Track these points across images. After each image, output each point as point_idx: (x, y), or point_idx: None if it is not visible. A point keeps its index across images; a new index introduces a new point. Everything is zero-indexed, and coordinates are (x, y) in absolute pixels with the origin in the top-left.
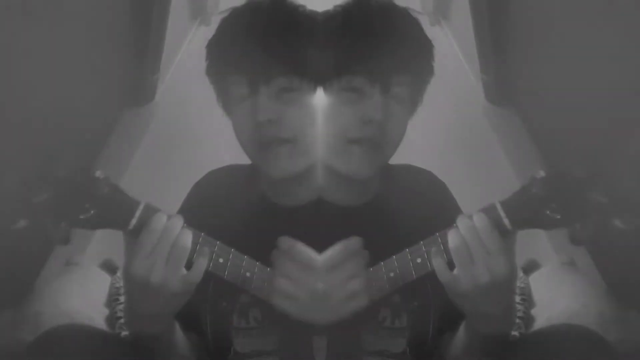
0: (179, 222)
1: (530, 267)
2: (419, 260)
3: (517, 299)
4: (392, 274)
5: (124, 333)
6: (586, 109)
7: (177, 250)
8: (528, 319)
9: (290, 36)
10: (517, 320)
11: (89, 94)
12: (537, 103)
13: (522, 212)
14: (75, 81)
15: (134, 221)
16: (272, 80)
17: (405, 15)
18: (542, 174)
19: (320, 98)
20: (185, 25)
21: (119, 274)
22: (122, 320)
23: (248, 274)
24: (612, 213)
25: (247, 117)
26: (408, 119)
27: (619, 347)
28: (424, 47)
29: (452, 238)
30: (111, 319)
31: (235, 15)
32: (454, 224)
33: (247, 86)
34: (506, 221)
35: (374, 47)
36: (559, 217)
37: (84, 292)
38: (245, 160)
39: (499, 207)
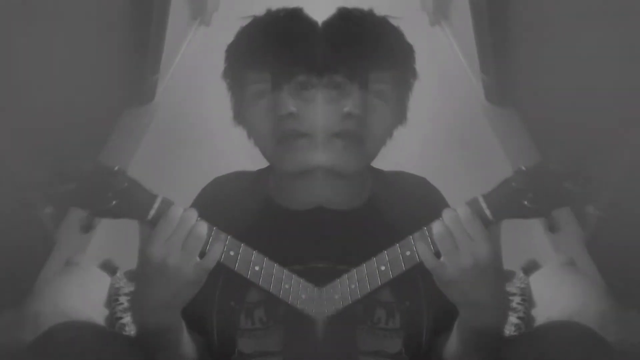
0: (194, 213)
1: (530, 267)
2: (408, 253)
3: (518, 299)
4: (383, 268)
5: (125, 333)
6: (586, 108)
7: (193, 238)
8: (528, 319)
9: (308, 39)
10: (517, 321)
11: (89, 94)
12: (537, 103)
13: (502, 203)
14: (76, 81)
15: (152, 212)
16: (294, 78)
17: (383, 22)
18: (522, 168)
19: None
20: (185, 25)
21: (119, 274)
22: (122, 321)
23: (257, 268)
24: (586, 201)
25: (267, 112)
26: (393, 119)
27: (618, 346)
28: (402, 50)
29: (436, 227)
30: (111, 319)
31: (256, 22)
32: (441, 218)
33: (269, 83)
34: (487, 212)
35: (352, 48)
36: (536, 206)
37: (83, 292)
38: (241, 158)
39: (481, 199)
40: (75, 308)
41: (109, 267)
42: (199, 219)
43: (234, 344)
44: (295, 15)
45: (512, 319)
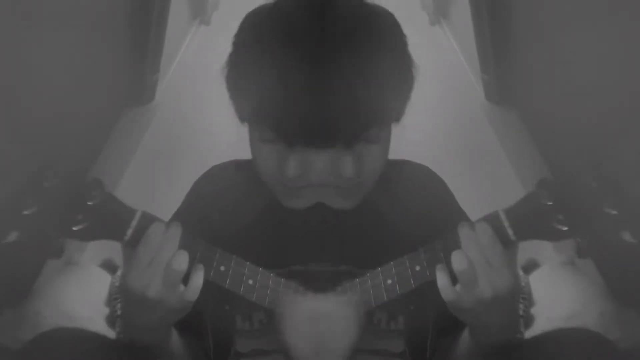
0: (175, 234)
1: (530, 267)
2: (417, 268)
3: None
4: (389, 281)
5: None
6: (586, 108)
7: (172, 273)
8: (528, 318)
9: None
10: None
11: (89, 94)
12: (537, 102)
13: (527, 222)
14: (75, 81)
15: (130, 231)
16: (301, 140)
17: (394, 39)
18: (548, 180)
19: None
20: (185, 25)
21: (119, 272)
22: None
23: (250, 282)
24: (621, 226)
25: (273, 161)
26: (387, 149)
27: (619, 345)
28: (408, 85)
29: (457, 260)
30: (111, 318)
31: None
32: (455, 231)
33: (281, 140)
34: (510, 231)
35: (351, 118)
36: (566, 228)
37: (83, 291)
38: (241, 158)
39: (502, 216)
40: (75, 307)
41: (109, 266)
42: (183, 236)
43: (231, 345)
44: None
45: None
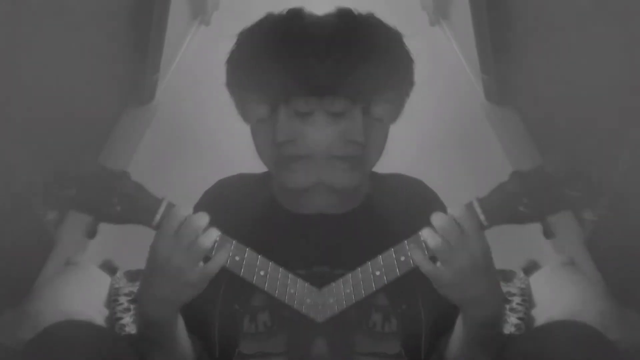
0: (205, 217)
1: (530, 267)
2: (402, 258)
3: (518, 299)
4: (377, 273)
5: (124, 334)
6: (586, 108)
7: (200, 244)
8: (528, 320)
9: (304, 54)
10: (518, 321)
11: (88, 93)
12: (537, 102)
13: (497, 208)
14: (75, 81)
15: (158, 217)
16: (291, 101)
17: (387, 31)
18: (520, 171)
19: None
20: (185, 25)
21: (118, 274)
22: (122, 321)
23: (262, 273)
24: (583, 206)
25: (266, 136)
26: (388, 130)
27: (619, 345)
28: (404, 64)
29: (427, 235)
30: (111, 319)
31: (252, 36)
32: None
33: (266, 106)
34: (482, 217)
35: (355, 67)
36: (530, 212)
37: (83, 292)
38: (242, 158)
39: (476, 203)
40: (75, 308)
41: (109, 267)
42: (208, 224)
43: (235, 346)
44: (291, 32)
45: (513, 319)
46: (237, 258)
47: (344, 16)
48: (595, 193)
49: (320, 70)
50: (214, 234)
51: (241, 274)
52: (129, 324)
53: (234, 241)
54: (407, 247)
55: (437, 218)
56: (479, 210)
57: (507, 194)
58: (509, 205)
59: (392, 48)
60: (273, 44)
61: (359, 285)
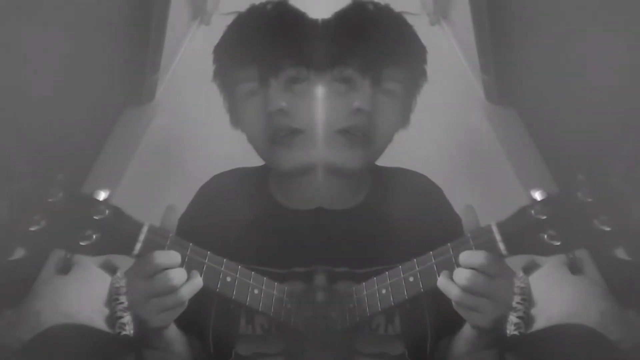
0: (180, 277)
1: (530, 267)
2: (411, 279)
3: (518, 298)
4: (384, 291)
5: (124, 333)
6: (586, 108)
7: (169, 311)
8: (528, 319)
9: (296, 31)
10: (517, 320)
11: (88, 94)
12: (537, 103)
13: (519, 236)
14: (75, 81)
15: (138, 245)
16: (281, 72)
17: (399, 18)
18: (542, 195)
19: (320, 92)
20: (185, 25)
21: (119, 273)
22: (122, 320)
23: (256, 291)
24: (615, 242)
25: (259, 110)
26: (399, 120)
27: (620, 346)
28: (416, 49)
29: (453, 294)
30: (111, 319)
31: (240, 19)
32: (447, 245)
33: (256, 80)
34: (501, 245)
35: (366, 41)
36: (557, 244)
37: (83, 291)
38: (242, 158)
39: (495, 229)
40: (75, 308)
41: (109, 267)
42: (187, 255)
43: (232, 347)
44: (280, 8)
45: (512, 318)
46: (228, 279)
47: (361, 6)
48: (628, 228)
49: (322, 42)
50: (183, 276)
51: (234, 296)
52: (129, 323)
53: (224, 260)
54: (417, 268)
55: (464, 258)
56: (498, 237)
57: (530, 221)
58: (532, 234)
59: (406, 34)
60: (259, 24)
61: (364, 302)
